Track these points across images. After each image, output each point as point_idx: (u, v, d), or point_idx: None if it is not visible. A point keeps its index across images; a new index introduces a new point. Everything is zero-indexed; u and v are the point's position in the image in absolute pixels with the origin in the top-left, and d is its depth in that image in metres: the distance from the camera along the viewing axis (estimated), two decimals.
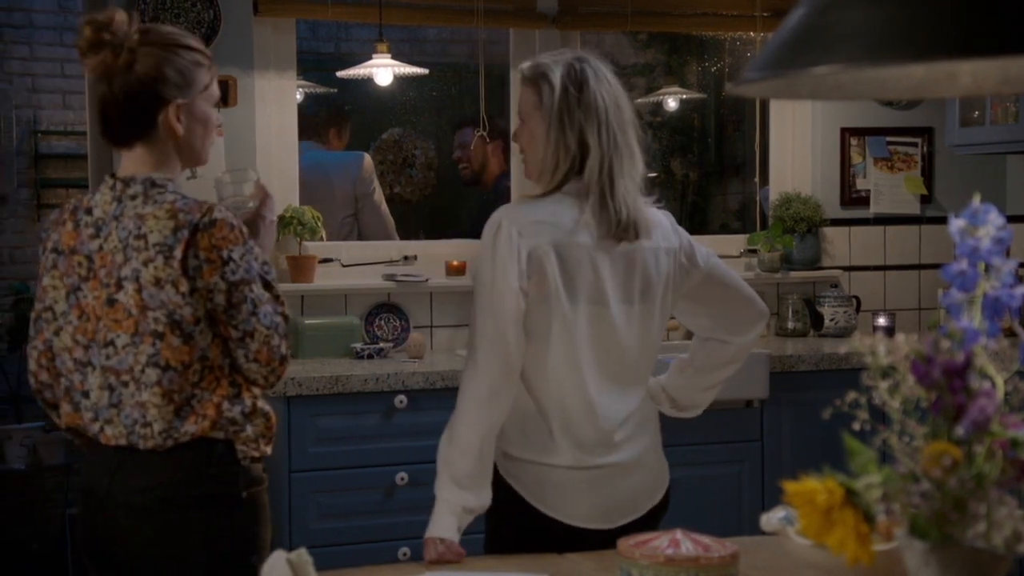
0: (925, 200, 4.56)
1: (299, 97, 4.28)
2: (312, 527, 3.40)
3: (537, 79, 2.20)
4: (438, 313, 4.10)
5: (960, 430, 1.28)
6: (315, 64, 5.78)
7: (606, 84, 2.19)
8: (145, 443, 2.03)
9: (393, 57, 4.05)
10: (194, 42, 2.13)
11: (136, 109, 2.07)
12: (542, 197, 2.19)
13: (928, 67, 1.35)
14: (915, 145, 4.54)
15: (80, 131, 5.47)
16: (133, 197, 2.05)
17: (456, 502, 2.07)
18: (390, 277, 4.03)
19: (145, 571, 2.07)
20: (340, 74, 4.33)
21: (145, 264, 2.00)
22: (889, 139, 4.52)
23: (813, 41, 1.16)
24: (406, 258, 4.13)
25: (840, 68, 1.17)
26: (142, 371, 2.02)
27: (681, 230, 2.30)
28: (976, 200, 1.35)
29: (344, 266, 4.05)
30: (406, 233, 5.69)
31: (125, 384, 2.04)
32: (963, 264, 1.33)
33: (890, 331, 4.25)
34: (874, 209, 4.52)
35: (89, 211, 2.09)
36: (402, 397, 3.48)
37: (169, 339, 2.00)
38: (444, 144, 6.16)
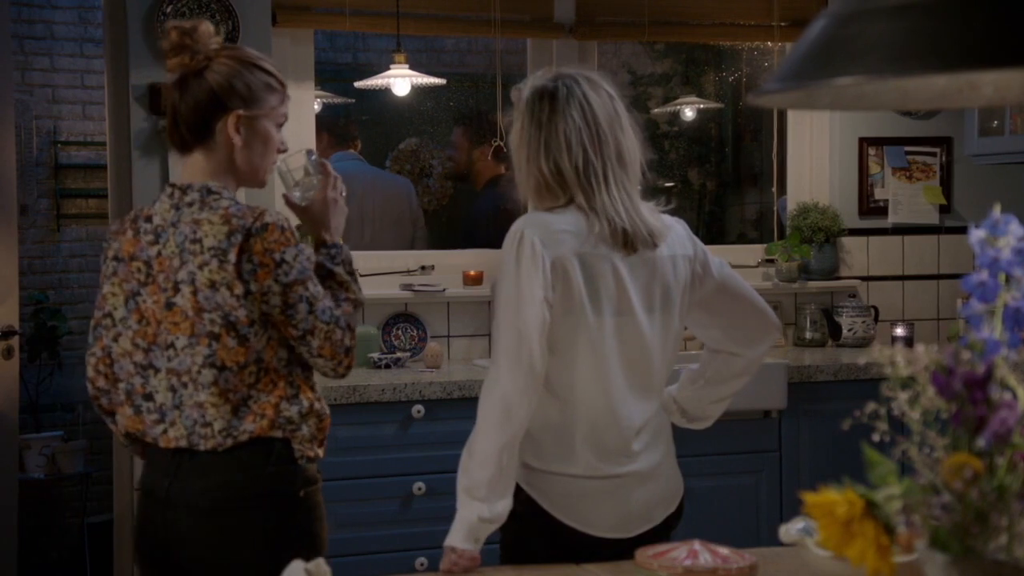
0: (944, 210, 4.54)
1: (317, 107, 4.29)
2: (329, 537, 3.39)
3: (515, 105, 2.23)
4: (455, 323, 4.10)
5: (981, 442, 1.27)
6: (333, 74, 5.79)
7: (579, 100, 2.17)
8: (206, 443, 2.07)
9: (411, 67, 4.06)
10: (272, 68, 2.19)
11: (198, 115, 2.13)
12: (560, 208, 2.19)
13: (950, 77, 1.35)
14: (934, 155, 4.52)
15: (100, 142, 5.49)
16: (190, 204, 2.11)
17: (471, 513, 2.06)
18: (407, 287, 4.03)
19: (207, 572, 2.09)
20: (358, 84, 4.35)
21: (201, 267, 2.05)
22: (907, 149, 4.51)
23: (835, 52, 1.16)
24: (423, 268, 4.14)
25: (863, 79, 1.16)
26: (199, 372, 2.07)
27: (696, 239, 2.30)
28: (996, 210, 1.34)
29: (361, 276, 4.04)
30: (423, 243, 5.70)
31: (185, 385, 2.08)
32: (983, 275, 1.33)
33: (909, 341, 4.23)
34: (892, 219, 4.51)
35: (149, 219, 2.14)
36: (419, 407, 3.48)
37: (225, 340, 2.05)
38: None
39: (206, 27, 2.12)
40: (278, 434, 2.09)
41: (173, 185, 2.15)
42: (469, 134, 4.83)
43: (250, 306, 2.05)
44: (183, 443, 2.09)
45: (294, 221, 2.21)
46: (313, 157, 2.28)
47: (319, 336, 2.09)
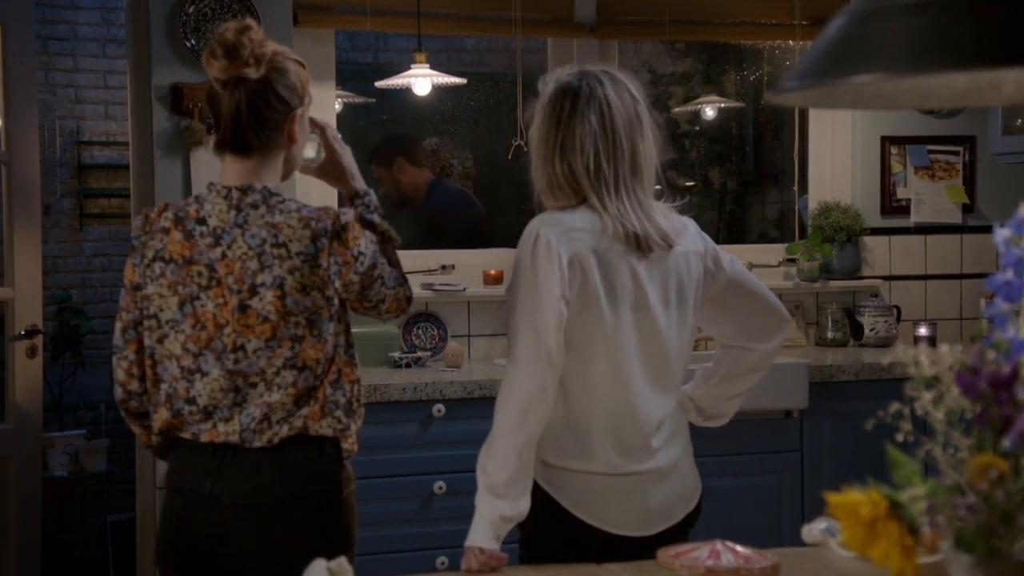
0: (967, 209, 4.52)
1: (338, 107, 4.30)
2: None
3: (539, 97, 2.23)
4: (476, 322, 4.10)
5: (1006, 442, 1.26)
6: (354, 74, 5.80)
7: (599, 103, 2.16)
8: (260, 440, 2.07)
9: (431, 67, 4.07)
10: (301, 59, 2.18)
11: (268, 115, 2.09)
12: (572, 207, 2.19)
13: (971, 76, 1.34)
14: (956, 154, 4.50)
15: (122, 141, 5.52)
16: (255, 206, 2.08)
17: (493, 511, 2.06)
18: (428, 286, 4.04)
19: (253, 571, 2.08)
20: (379, 84, 4.35)
21: (291, 272, 2.05)
22: (930, 148, 4.48)
23: (854, 50, 1.15)
24: (443, 267, 4.14)
25: (881, 77, 1.16)
26: (276, 373, 2.06)
27: (705, 236, 2.30)
28: (1022, 209, 1.33)
29: None
30: (443, 242, 5.70)
31: (253, 385, 2.07)
32: (1009, 274, 1.32)
33: (931, 341, 4.21)
34: (915, 218, 4.48)
35: (202, 221, 2.09)
36: (440, 406, 3.49)
37: (308, 340, 2.07)
38: (482, 154, 6.16)
39: (256, 27, 2.10)
40: (328, 432, 2.09)
41: (228, 186, 2.10)
42: (408, 159, 4.81)
43: (333, 302, 2.08)
44: (233, 439, 2.07)
45: (313, 186, 2.18)
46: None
47: (388, 300, 2.16)
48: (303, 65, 2.17)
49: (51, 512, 4.58)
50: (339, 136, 2.31)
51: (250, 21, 2.10)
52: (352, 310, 2.16)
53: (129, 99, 3.86)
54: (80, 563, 5.11)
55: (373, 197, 2.28)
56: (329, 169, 2.29)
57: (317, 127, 2.27)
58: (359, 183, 2.29)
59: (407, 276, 2.25)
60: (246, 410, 2.07)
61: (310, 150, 2.27)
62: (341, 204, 2.48)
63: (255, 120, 2.09)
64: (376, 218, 2.24)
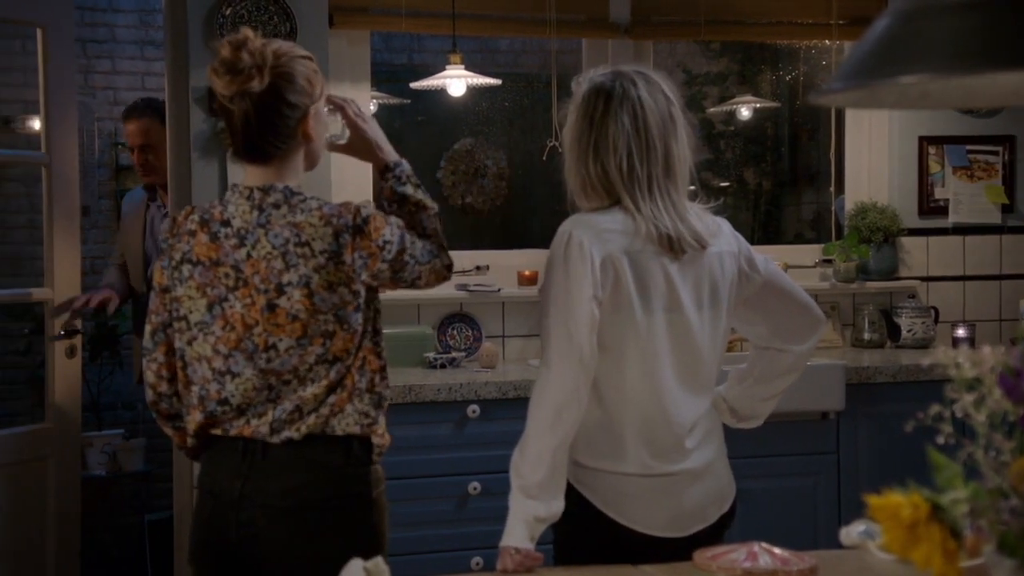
0: (1006, 209, 4.47)
1: (373, 108, 4.31)
2: None
3: (573, 97, 2.23)
4: (510, 323, 4.11)
5: None
6: (388, 75, 5.83)
7: (633, 103, 2.16)
8: (289, 430, 2.08)
9: (466, 68, 4.07)
10: (305, 51, 2.17)
11: (279, 123, 2.09)
12: (605, 209, 2.19)
13: (1016, 75, 1.33)
14: (996, 153, 4.45)
15: None
16: (276, 206, 2.09)
17: (527, 512, 2.07)
18: (463, 287, 4.04)
19: (283, 571, 2.09)
20: (413, 85, 4.37)
21: (316, 270, 2.06)
22: (969, 148, 4.44)
23: (899, 50, 1.15)
24: (478, 268, 4.15)
25: (928, 77, 1.15)
26: (309, 369, 2.08)
27: (739, 236, 2.29)
28: None
29: None
30: (478, 243, 5.72)
31: (287, 383, 2.09)
32: None
33: (970, 342, 4.17)
34: (953, 219, 4.44)
35: (227, 223, 2.10)
36: (475, 407, 3.49)
37: (339, 334, 2.08)
38: (516, 154, 6.17)
39: (253, 34, 2.07)
40: (355, 429, 2.10)
41: (249, 187, 2.11)
42: None
43: (360, 293, 2.09)
44: (262, 429, 2.08)
45: (348, 162, 2.16)
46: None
47: (424, 275, 2.16)
48: (311, 58, 2.15)
49: (89, 511, 4.61)
50: (361, 110, 2.30)
51: (247, 32, 2.08)
52: (389, 289, 2.17)
53: (167, 101, 3.89)
54: (118, 562, 5.15)
55: (406, 167, 2.26)
56: (356, 145, 2.28)
57: (337, 105, 2.26)
58: (389, 155, 2.27)
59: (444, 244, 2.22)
60: (280, 405, 2.09)
61: (334, 128, 2.26)
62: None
63: (267, 129, 2.09)
64: (409, 189, 2.22)
